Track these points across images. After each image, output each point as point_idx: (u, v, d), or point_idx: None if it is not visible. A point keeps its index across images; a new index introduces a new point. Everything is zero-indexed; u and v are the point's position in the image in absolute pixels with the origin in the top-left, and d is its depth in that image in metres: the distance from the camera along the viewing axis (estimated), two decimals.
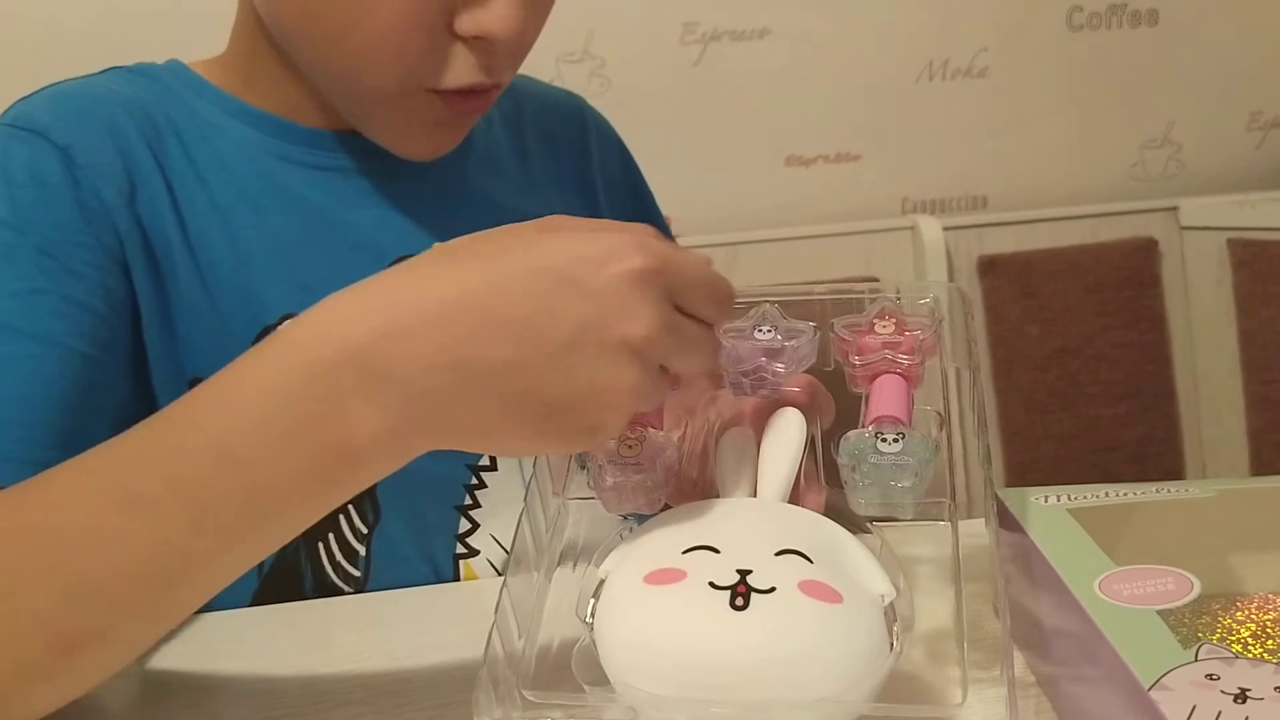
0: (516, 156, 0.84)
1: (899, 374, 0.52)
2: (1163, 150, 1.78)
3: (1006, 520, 0.55)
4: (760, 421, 0.52)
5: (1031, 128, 1.73)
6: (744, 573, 0.43)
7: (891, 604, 0.44)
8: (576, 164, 0.88)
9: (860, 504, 0.48)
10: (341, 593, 0.71)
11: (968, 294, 0.56)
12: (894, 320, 0.54)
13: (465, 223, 0.72)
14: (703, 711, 0.41)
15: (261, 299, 0.69)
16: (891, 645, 0.43)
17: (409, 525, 0.72)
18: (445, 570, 0.74)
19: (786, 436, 0.51)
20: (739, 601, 0.42)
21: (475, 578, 0.75)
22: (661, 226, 0.93)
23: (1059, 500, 0.56)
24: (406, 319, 0.44)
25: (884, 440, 0.48)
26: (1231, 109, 1.78)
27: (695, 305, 0.47)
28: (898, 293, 0.56)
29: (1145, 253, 1.68)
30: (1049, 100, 1.72)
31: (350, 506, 0.71)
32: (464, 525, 0.75)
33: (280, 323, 0.68)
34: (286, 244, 0.71)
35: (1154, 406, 1.66)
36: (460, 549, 0.75)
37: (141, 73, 0.75)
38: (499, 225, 0.73)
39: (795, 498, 0.50)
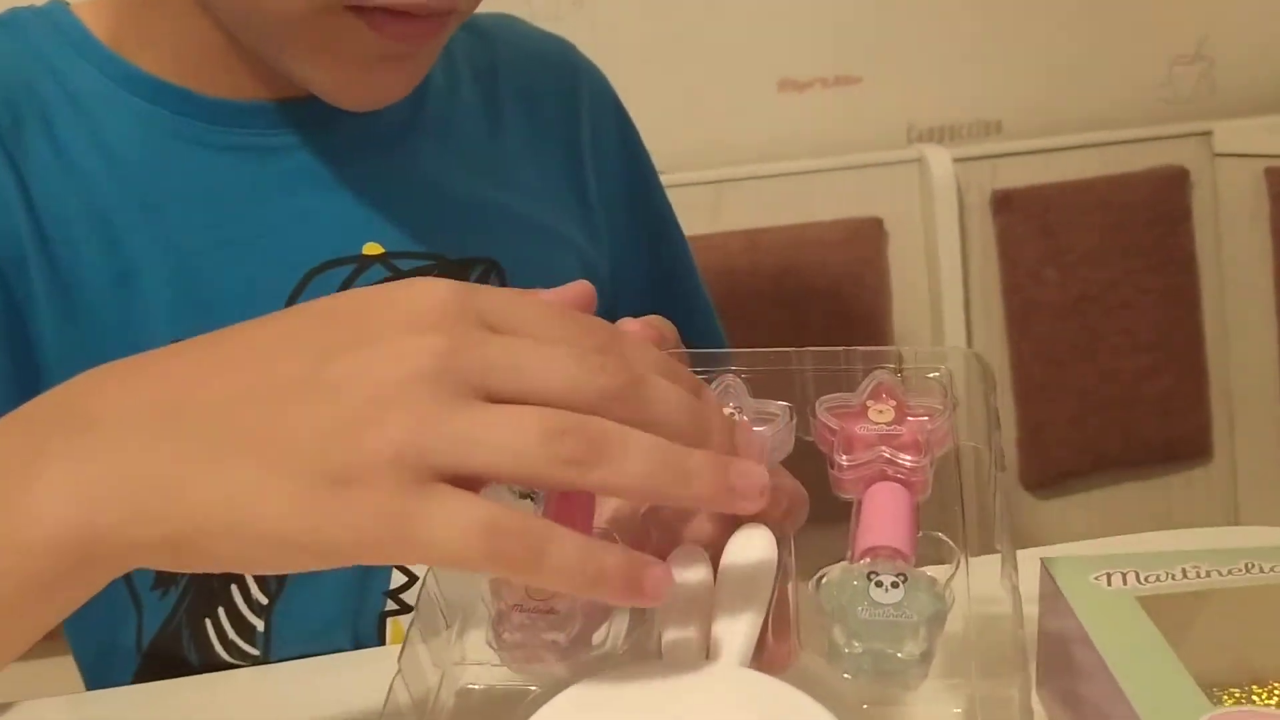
0: (487, 124, 0.70)
1: (900, 480, 0.40)
2: (1194, 68, 1.62)
3: (1053, 603, 0.44)
4: (722, 541, 0.41)
5: (1048, 44, 1.57)
6: None
7: None
8: (562, 129, 0.73)
9: (846, 674, 0.36)
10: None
11: (988, 362, 0.43)
12: (894, 403, 0.42)
13: (413, 218, 0.63)
14: None
15: (146, 323, 0.58)
16: None
17: (325, 590, 0.62)
18: (369, 636, 0.63)
19: (752, 568, 0.39)
20: None
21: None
22: (660, 204, 0.80)
23: (1124, 582, 0.44)
24: None
25: (880, 585, 0.37)
26: (1271, 20, 1.62)
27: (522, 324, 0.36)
28: (900, 363, 0.43)
29: (1174, 184, 1.54)
30: (1067, 13, 1.56)
31: (248, 575, 0.60)
32: (398, 579, 0.64)
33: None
34: (185, 250, 0.59)
35: (1180, 357, 1.54)
36: (391, 605, 0.64)
37: (6, 25, 0.61)
38: (452, 219, 0.65)
39: (759, 652, 0.38)
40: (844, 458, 0.41)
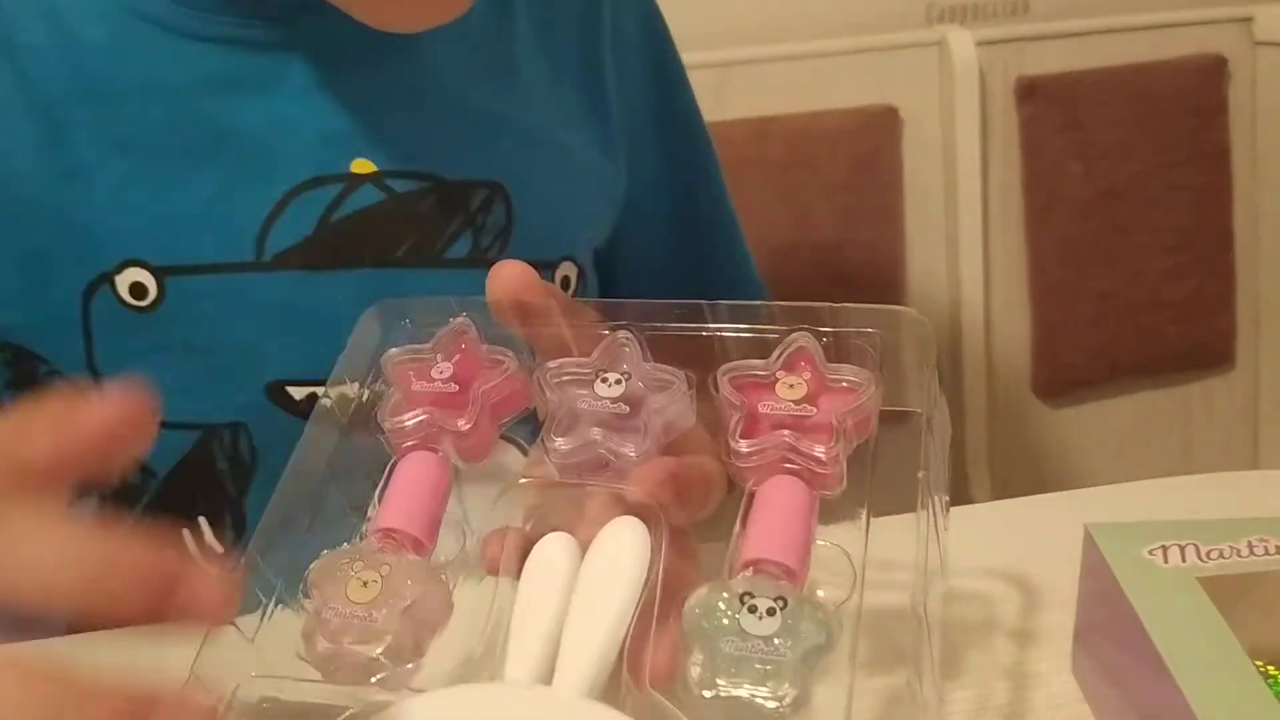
0: (495, 21, 0.60)
1: (803, 474, 0.34)
2: None
3: (1098, 576, 0.38)
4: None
5: None
6: None
7: None
8: (580, 36, 0.63)
9: (705, 712, 0.30)
10: None
11: (929, 328, 0.36)
12: (810, 375, 0.35)
13: (410, 131, 0.55)
14: None
15: (98, 236, 0.51)
16: None
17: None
18: None
19: (612, 572, 0.33)
20: None
21: None
22: (690, 119, 0.69)
23: (1182, 558, 0.38)
24: None
25: (753, 611, 0.31)
26: None
27: None
28: (829, 323, 0.36)
29: (1211, 73, 1.42)
30: None
31: (203, 519, 0.57)
32: None
33: (122, 271, 0.51)
34: (144, 154, 0.51)
35: (1207, 258, 1.44)
36: None
37: None
38: (454, 133, 0.57)
39: (637, 663, 0.33)
40: (741, 442, 0.34)
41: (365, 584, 0.33)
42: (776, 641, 0.30)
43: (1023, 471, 1.45)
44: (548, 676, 0.32)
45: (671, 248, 0.68)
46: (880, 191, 1.38)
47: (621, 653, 0.32)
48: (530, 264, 0.41)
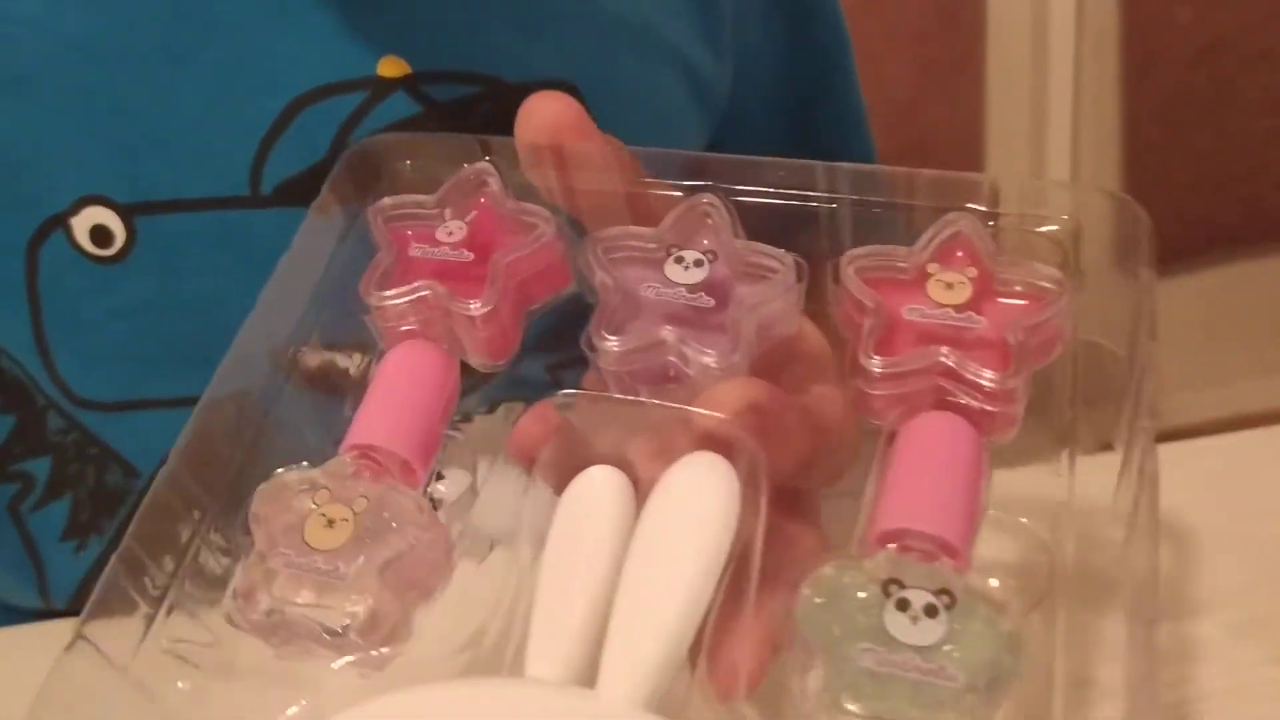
0: None
1: (965, 411, 0.24)
2: None
3: None
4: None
5: None
6: None
7: None
8: None
9: None
10: None
11: (1142, 212, 0.26)
12: (975, 272, 0.25)
13: (464, 19, 0.43)
14: None
15: (46, 170, 0.40)
16: None
17: None
18: None
19: (687, 527, 0.23)
20: None
21: None
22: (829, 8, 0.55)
23: None
24: None
25: (904, 609, 0.21)
26: None
27: None
28: (994, 203, 0.26)
29: None
30: None
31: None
32: None
33: (79, 212, 0.40)
34: (103, 65, 0.40)
35: None
36: None
37: None
38: (507, 23, 0.44)
39: (718, 659, 0.23)
40: (875, 359, 0.24)
41: (331, 523, 0.23)
42: (942, 656, 0.20)
43: None
44: (588, 674, 0.22)
45: (776, 142, 0.54)
46: (960, 43, 1.23)
47: (695, 647, 0.22)
48: None
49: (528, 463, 0.26)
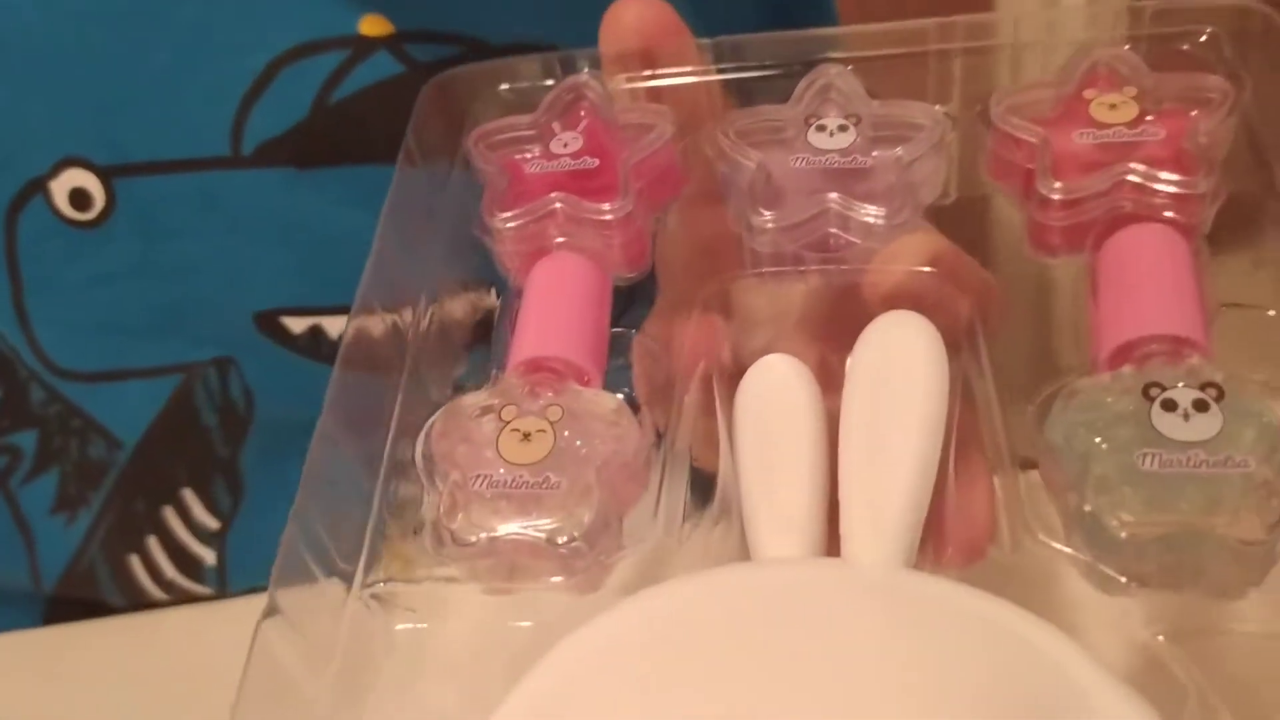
0: None
1: (1164, 220, 0.23)
2: None
3: None
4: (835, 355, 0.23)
5: None
6: None
7: None
8: None
9: (1107, 569, 0.19)
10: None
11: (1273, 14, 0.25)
12: (1134, 88, 0.24)
13: (406, 3, 0.41)
14: None
15: (24, 132, 0.40)
16: None
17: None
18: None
19: (906, 387, 0.22)
20: None
21: None
22: None
23: None
24: None
25: (1171, 409, 0.19)
26: None
27: None
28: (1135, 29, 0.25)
29: None
30: None
31: (188, 490, 0.45)
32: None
33: (59, 175, 0.40)
34: (79, 24, 0.39)
35: None
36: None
37: None
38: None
39: (926, 538, 0.21)
40: (1057, 184, 0.23)
41: (527, 436, 0.21)
42: (1227, 445, 0.19)
43: None
44: (822, 550, 0.21)
45: None
46: None
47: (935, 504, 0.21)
48: None
49: (691, 365, 0.25)
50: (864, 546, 0.20)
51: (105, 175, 0.40)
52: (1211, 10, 0.25)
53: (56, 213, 0.41)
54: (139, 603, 0.46)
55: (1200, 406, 0.19)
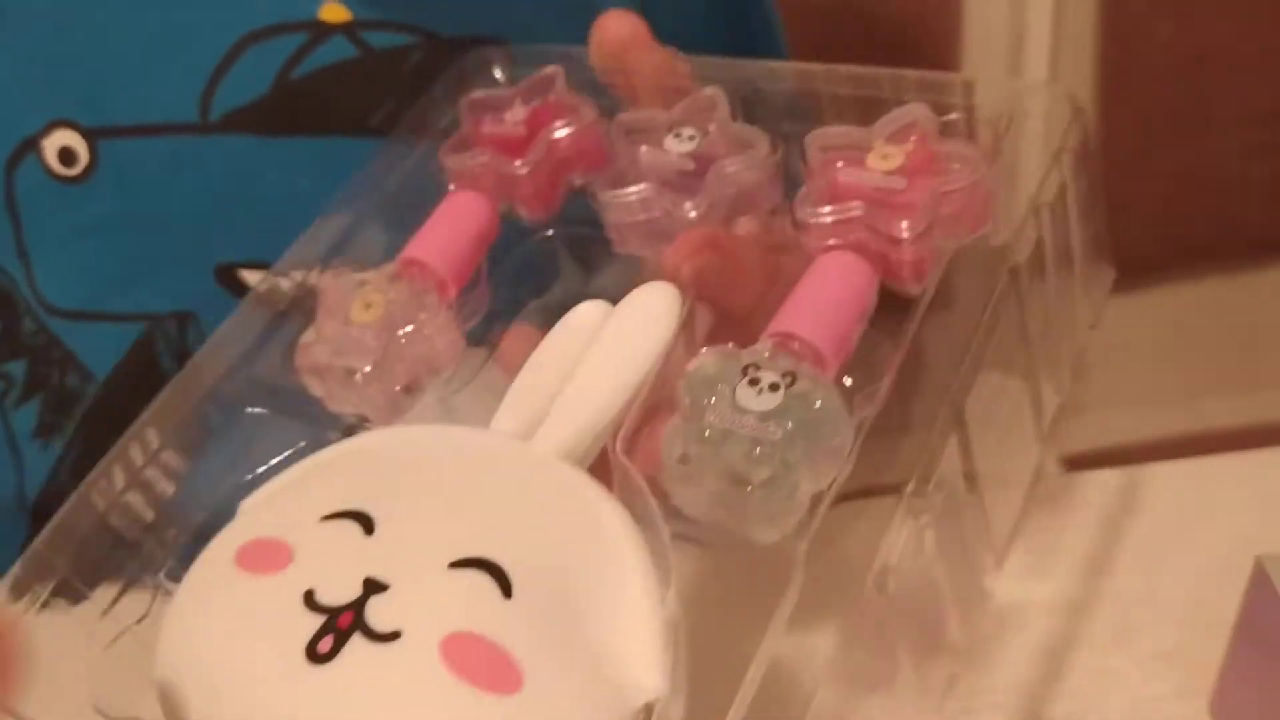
0: None
1: (866, 255, 0.27)
2: None
3: (1266, 602, 0.31)
4: None
5: None
6: (374, 587, 0.23)
7: (650, 709, 0.23)
8: None
9: (678, 494, 0.25)
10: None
11: (1083, 108, 0.29)
12: (918, 146, 0.29)
13: None
14: None
15: (21, 94, 0.45)
16: None
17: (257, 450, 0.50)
18: None
19: (632, 332, 0.28)
20: (325, 645, 0.22)
21: None
22: None
23: None
24: None
25: (754, 384, 0.25)
26: None
27: None
28: (965, 96, 0.30)
29: None
30: None
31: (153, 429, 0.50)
32: None
33: (50, 134, 0.45)
34: None
35: None
36: None
37: None
38: None
39: (630, 443, 0.28)
40: (817, 211, 0.28)
41: (368, 305, 0.30)
42: (773, 421, 0.24)
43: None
44: (531, 435, 0.28)
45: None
46: (935, 44, 1.17)
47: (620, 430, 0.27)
48: None
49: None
50: (546, 436, 0.27)
51: (90, 136, 0.44)
52: (1030, 91, 0.29)
53: (47, 169, 0.45)
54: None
55: (774, 387, 0.25)
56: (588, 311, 0.30)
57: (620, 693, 0.23)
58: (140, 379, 0.47)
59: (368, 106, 0.45)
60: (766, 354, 0.25)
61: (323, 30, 0.45)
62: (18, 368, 0.48)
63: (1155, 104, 1.24)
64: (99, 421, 0.48)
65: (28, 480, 0.50)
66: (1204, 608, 0.36)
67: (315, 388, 0.30)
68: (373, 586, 0.23)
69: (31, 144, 0.44)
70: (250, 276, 0.47)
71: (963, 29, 1.22)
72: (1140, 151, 1.24)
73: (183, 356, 0.47)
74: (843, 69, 0.32)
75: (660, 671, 0.23)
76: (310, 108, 0.45)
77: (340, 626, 0.23)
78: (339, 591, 0.23)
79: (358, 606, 0.23)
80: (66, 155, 0.45)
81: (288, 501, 0.27)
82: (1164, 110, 1.24)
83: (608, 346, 0.28)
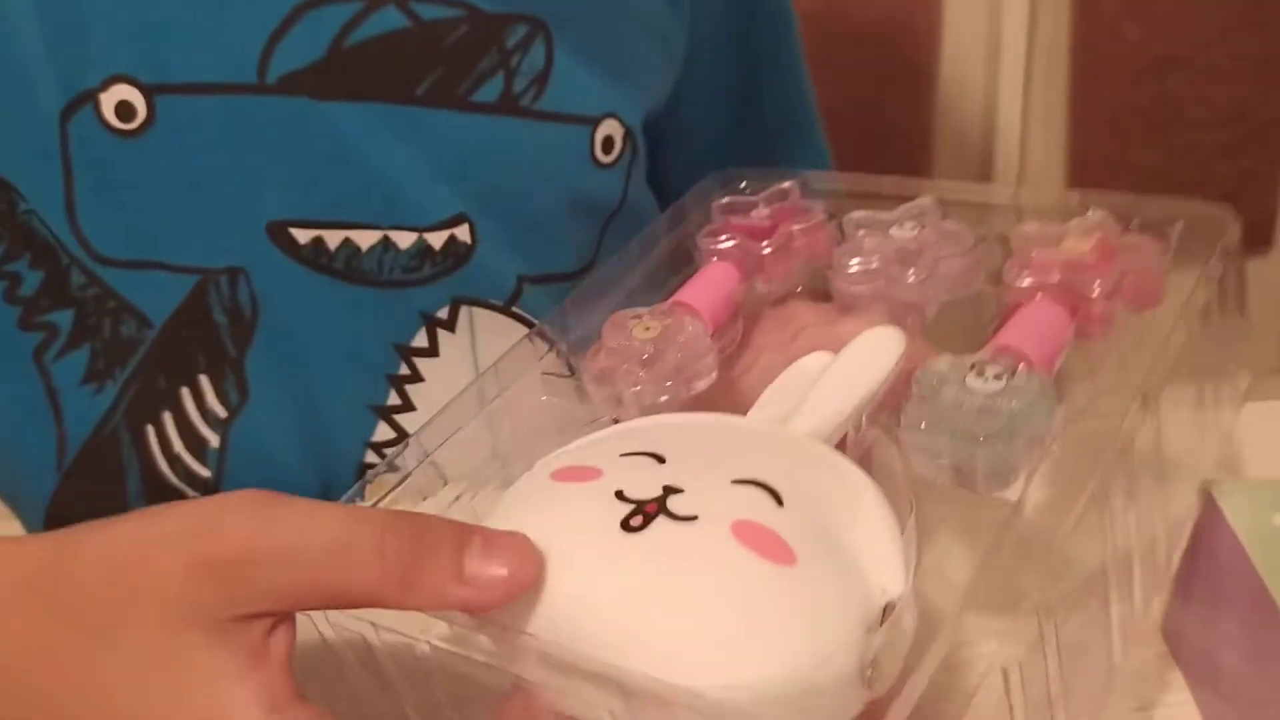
0: None
1: (1064, 304, 0.34)
2: None
3: (1216, 542, 0.36)
4: None
5: None
6: (671, 491, 0.29)
7: (891, 608, 0.28)
8: None
9: (919, 459, 0.31)
10: (180, 496, 0.52)
11: (1234, 223, 0.36)
12: (1100, 241, 0.36)
13: None
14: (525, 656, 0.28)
15: (82, 45, 0.45)
16: (865, 677, 0.27)
17: (294, 416, 0.52)
18: (344, 483, 0.51)
19: (866, 358, 0.35)
20: (636, 521, 0.28)
21: None
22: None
23: None
24: None
25: (980, 374, 0.31)
26: None
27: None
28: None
29: None
30: None
31: (203, 377, 0.51)
32: (383, 432, 0.54)
33: (108, 89, 0.45)
34: None
35: (1260, 135, 1.23)
36: (372, 458, 0.54)
37: None
38: None
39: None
40: (1022, 274, 0.35)
41: (648, 328, 0.38)
42: (999, 398, 0.31)
43: None
44: None
45: (733, 121, 0.62)
46: (916, 46, 1.23)
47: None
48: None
49: None
50: (800, 423, 0.34)
51: (149, 92, 0.45)
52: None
53: (103, 122, 0.45)
54: (150, 469, 0.51)
55: (997, 377, 0.31)
56: (815, 358, 0.37)
57: (868, 591, 0.28)
58: (194, 332, 0.49)
59: (416, 74, 0.48)
60: (988, 356, 0.32)
61: (375, 0, 0.47)
62: (64, 318, 0.49)
63: (1125, 104, 1.27)
64: (157, 367, 0.50)
65: (71, 428, 0.51)
66: None
67: (594, 393, 0.37)
68: (670, 490, 0.29)
69: (89, 97, 0.45)
70: (301, 234, 0.48)
71: (942, 33, 1.27)
72: (1109, 150, 1.28)
73: (234, 311, 0.49)
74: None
75: (901, 580, 0.28)
76: (362, 73, 0.47)
77: (648, 510, 0.29)
78: (644, 490, 0.29)
79: (660, 500, 0.29)
80: (124, 110, 0.46)
81: (586, 448, 0.33)
82: (1133, 110, 1.27)
83: (849, 367, 0.35)
